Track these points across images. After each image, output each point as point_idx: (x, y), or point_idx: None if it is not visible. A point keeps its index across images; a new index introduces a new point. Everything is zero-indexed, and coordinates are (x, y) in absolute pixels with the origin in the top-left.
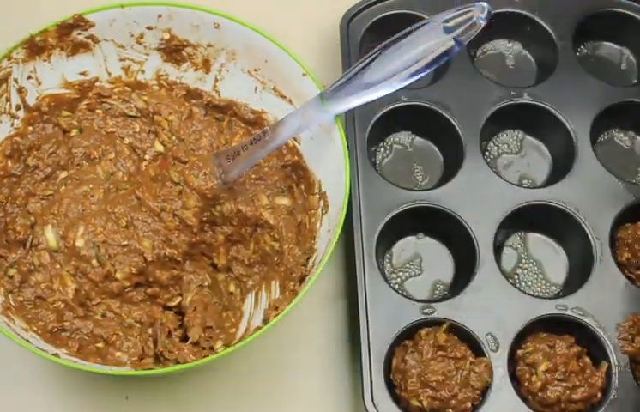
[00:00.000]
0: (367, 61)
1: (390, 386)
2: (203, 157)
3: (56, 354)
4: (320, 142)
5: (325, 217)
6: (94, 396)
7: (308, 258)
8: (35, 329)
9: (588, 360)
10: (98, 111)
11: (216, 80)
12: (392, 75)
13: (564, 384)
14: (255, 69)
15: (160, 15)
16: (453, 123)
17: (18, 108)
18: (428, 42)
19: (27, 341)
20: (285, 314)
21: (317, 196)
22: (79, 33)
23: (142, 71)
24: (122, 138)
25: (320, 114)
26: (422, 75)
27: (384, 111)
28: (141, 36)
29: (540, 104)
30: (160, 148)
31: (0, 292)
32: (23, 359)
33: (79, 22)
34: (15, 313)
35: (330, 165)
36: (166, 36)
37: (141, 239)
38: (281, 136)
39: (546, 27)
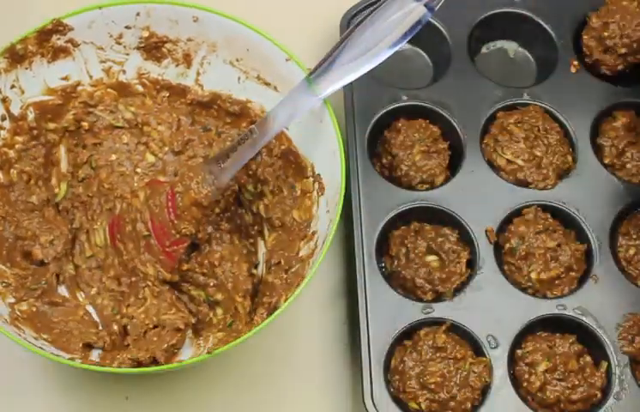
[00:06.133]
0: (345, 39)
1: (390, 386)
2: (193, 167)
3: (72, 359)
4: (309, 125)
5: (322, 199)
6: (94, 396)
7: (306, 243)
8: (45, 337)
9: (588, 358)
10: (84, 123)
11: (198, 73)
12: (370, 50)
13: (564, 384)
14: (237, 60)
15: (137, 14)
16: (453, 123)
17: (3, 118)
18: (398, 12)
19: (41, 348)
20: (292, 301)
21: (311, 179)
22: (58, 38)
23: (124, 71)
24: (113, 161)
25: (310, 99)
26: (401, 45)
27: (384, 111)
28: (121, 36)
29: (539, 104)
30: (151, 159)
31: (5, 303)
32: (23, 360)
33: (58, 27)
34: (23, 323)
35: (323, 146)
36: (145, 34)
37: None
38: (272, 130)
39: (546, 27)
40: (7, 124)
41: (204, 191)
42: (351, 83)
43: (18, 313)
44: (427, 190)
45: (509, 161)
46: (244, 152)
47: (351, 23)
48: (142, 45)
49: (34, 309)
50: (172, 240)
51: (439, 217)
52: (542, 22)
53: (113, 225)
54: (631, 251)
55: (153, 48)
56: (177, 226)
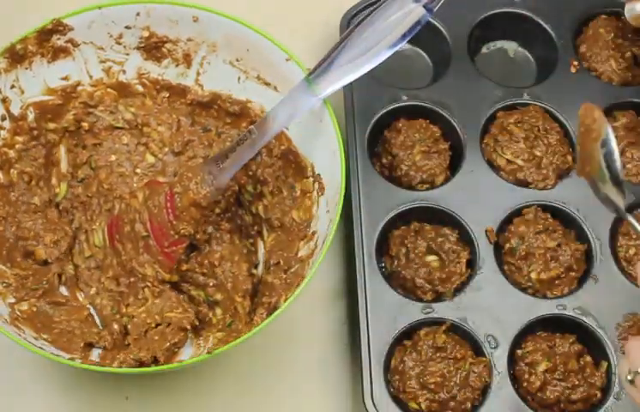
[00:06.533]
0: (344, 39)
1: (390, 386)
2: (192, 168)
3: (72, 359)
4: (309, 125)
5: (322, 199)
6: (94, 396)
7: (306, 243)
8: (45, 337)
9: (589, 358)
10: (84, 123)
11: (198, 74)
12: (370, 50)
13: (564, 384)
14: (237, 60)
15: (137, 14)
16: (453, 123)
17: (3, 119)
18: (398, 13)
19: (41, 348)
20: (292, 301)
21: (311, 179)
22: (58, 38)
23: (124, 72)
24: (114, 161)
25: (309, 99)
26: (400, 45)
27: (384, 111)
28: (120, 36)
29: (539, 104)
30: (151, 159)
31: (5, 303)
32: (23, 360)
33: (58, 27)
34: (23, 323)
35: (323, 146)
36: (145, 34)
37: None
38: (271, 130)
39: (546, 27)
40: (7, 124)
41: (203, 192)
42: (351, 83)
43: (18, 313)
44: (427, 190)
45: (509, 161)
46: (244, 152)
47: (351, 23)
48: (142, 45)
49: (35, 309)
50: (170, 241)
51: (439, 217)
52: (542, 22)
53: (112, 225)
54: (631, 251)
55: (153, 48)
56: (175, 226)
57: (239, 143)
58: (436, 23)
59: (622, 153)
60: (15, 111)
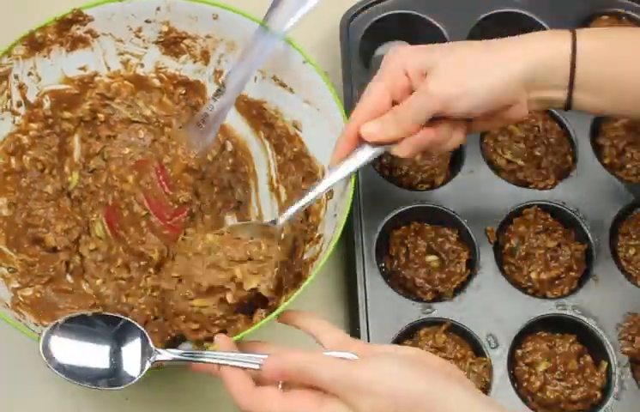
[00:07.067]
0: None
1: None
2: (175, 136)
3: None
4: (322, 129)
5: (330, 202)
6: (94, 396)
7: (312, 246)
8: (46, 324)
9: (589, 358)
10: (100, 114)
11: (215, 71)
12: None
13: (564, 384)
14: None
15: (158, 8)
16: None
17: (19, 105)
18: None
19: (39, 335)
20: (292, 301)
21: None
22: (78, 28)
23: (141, 65)
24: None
25: (269, 41)
26: None
27: None
28: (140, 29)
29: None
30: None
31: (8, 288)
32: (22, 359)
33: (78, 17)
34: (24, 308)
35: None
36: (165, 29)
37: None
38: (243, 79)
39: (547, 28)
40: (22, 110)
41: (192, 155)
42: (351, 83)
43: (21, 299)
44: (427, 190)
45: (509, 161)
46: (222, 106)
47: (351, 24)
48: (161, 39)
49: (39, 295)
50: (171, 212)
51: (439, 217)
52: (542, 22)
53: (109, 216)
54: (631, 251)
55: (172, 43)
56: (172, 196)
57: (215, 98)
58: (436, 23)
59: (622, 153)
60: (31, 98)
